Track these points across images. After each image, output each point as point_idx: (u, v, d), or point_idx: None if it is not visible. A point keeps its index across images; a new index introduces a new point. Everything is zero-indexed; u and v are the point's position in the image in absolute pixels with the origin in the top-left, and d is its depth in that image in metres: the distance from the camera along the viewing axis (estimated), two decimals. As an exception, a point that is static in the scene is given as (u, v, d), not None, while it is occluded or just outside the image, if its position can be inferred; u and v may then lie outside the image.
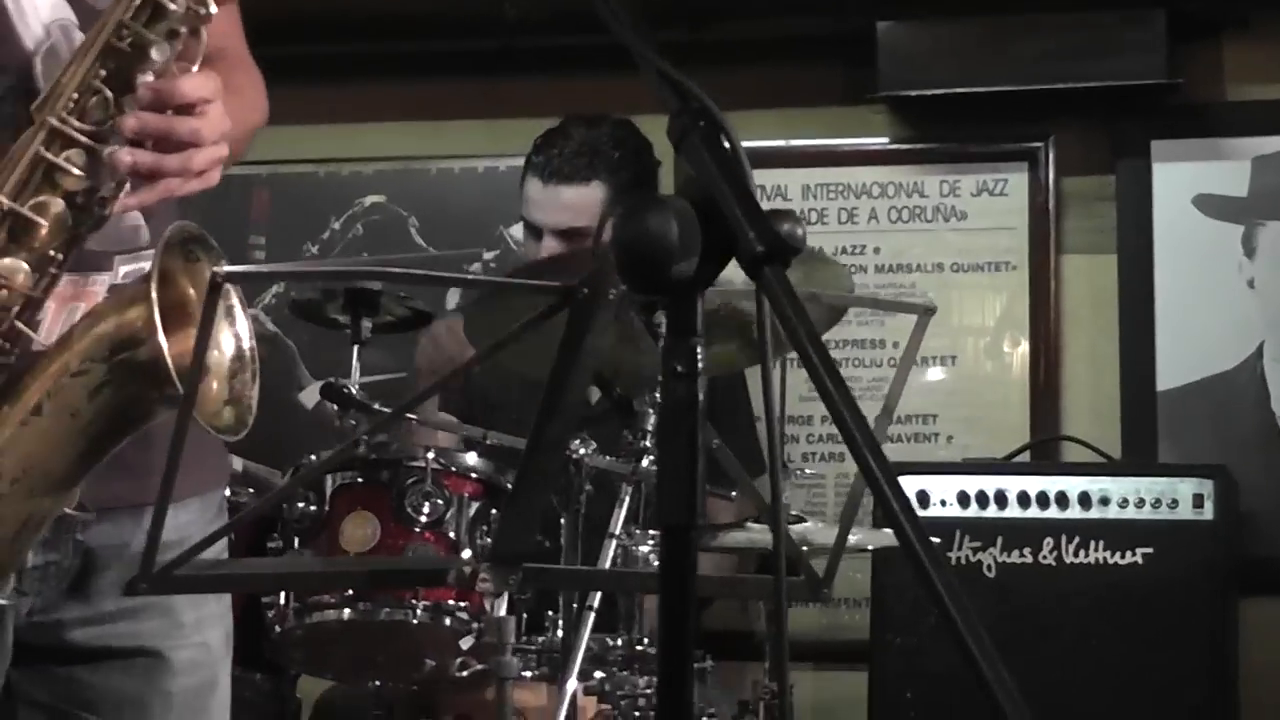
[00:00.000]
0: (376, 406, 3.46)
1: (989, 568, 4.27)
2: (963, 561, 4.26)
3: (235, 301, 1.98)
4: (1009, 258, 4.89)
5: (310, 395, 4.15)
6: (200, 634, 2.25)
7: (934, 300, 4.88)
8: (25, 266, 1.94)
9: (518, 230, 5.07)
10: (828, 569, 1.81)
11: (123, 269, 2.09)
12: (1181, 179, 4.76)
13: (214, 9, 1.96)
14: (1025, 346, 4.84)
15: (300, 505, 3.33)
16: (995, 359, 4.88)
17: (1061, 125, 4.84)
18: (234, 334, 1.97)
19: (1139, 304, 4.75)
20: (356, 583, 1.69)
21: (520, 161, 4.96)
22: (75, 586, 2.17)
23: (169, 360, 1.82)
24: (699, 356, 1.48)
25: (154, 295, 1.83)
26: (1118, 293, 4.78)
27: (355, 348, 3.70)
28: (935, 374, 4.89)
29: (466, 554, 3.27)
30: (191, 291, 1.95)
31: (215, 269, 1.49)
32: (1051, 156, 4.84)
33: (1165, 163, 4.78)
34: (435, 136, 5.25)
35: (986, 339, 4.90)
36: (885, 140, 4.98)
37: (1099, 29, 4.63)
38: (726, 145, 1.48)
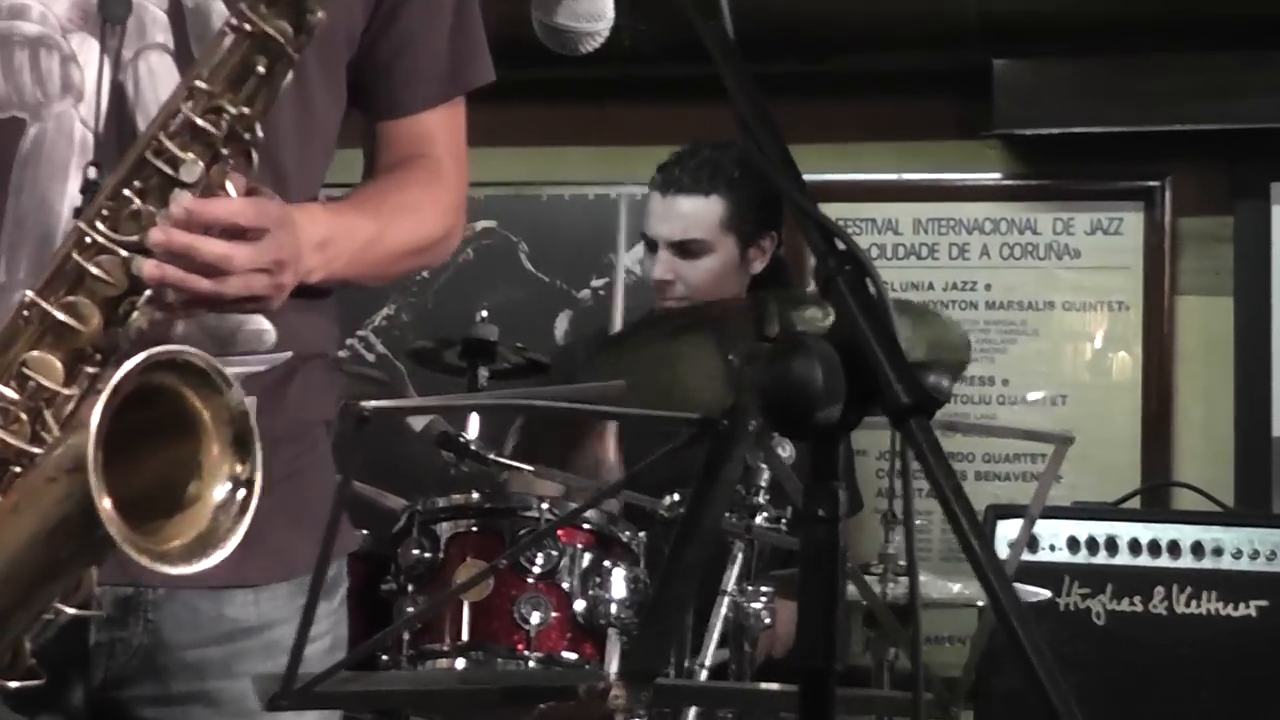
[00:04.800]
0: (492, 457, 3.48)
1: (1098, 615, 4.24)
2: (1071, 608, 4.24)
3: (250, 429, 1.88)
4: (1122, 297, 4.87)
5: (418, 418, 4.17)
6: None
7: (1044, 335, 4.91)
8: (58, 364, 1.92)
9: (628, 259, 5.09)
10: (958, 688, 1.81)
11: (230, 370, 2.04)
12: (1301, 222, 4.73)
13: (260, 134, 1.92)
14: (1138, 388, 4.81)
15: (415, 551, 3.35)
16: (1107, 400, 4.85)
17: (1179, 165, 4.81)
18: (245, 464, 1.87)
19: (1255, 348, 4.72)
20: (491, 698, 1.71)
21: (631, 189, 4.99)
22: (147, 665, 2.14)
23: (99, 505, 1.73)
24: (840, 501, 1.48)
25: (91, 435, 1.73)
26: (1234, 336, 4.75)
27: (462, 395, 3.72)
28: (1045, 413, 4.87)
29: (579, 605, 3.27)
30: (205, 412, 1.87)
31: (362, 404, 1.49)
32: (1168, 196, 4.81)
33: (1286, 205, 4.75)
34: (547, 162, 5.26)
35: (1098, 379, 4.87)
36: (999, 176, 4.97)
37: (1219, 70, 4.60)
38: (873, 291, 1.47)
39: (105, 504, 1.74)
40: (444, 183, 2.34)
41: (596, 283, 5.19)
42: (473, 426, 3.70)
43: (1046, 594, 3.78)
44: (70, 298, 1.91)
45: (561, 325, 5.19)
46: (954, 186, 4.99)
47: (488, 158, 5.28)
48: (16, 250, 2.06)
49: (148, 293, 1.91)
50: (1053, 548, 4.30)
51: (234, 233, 1.92)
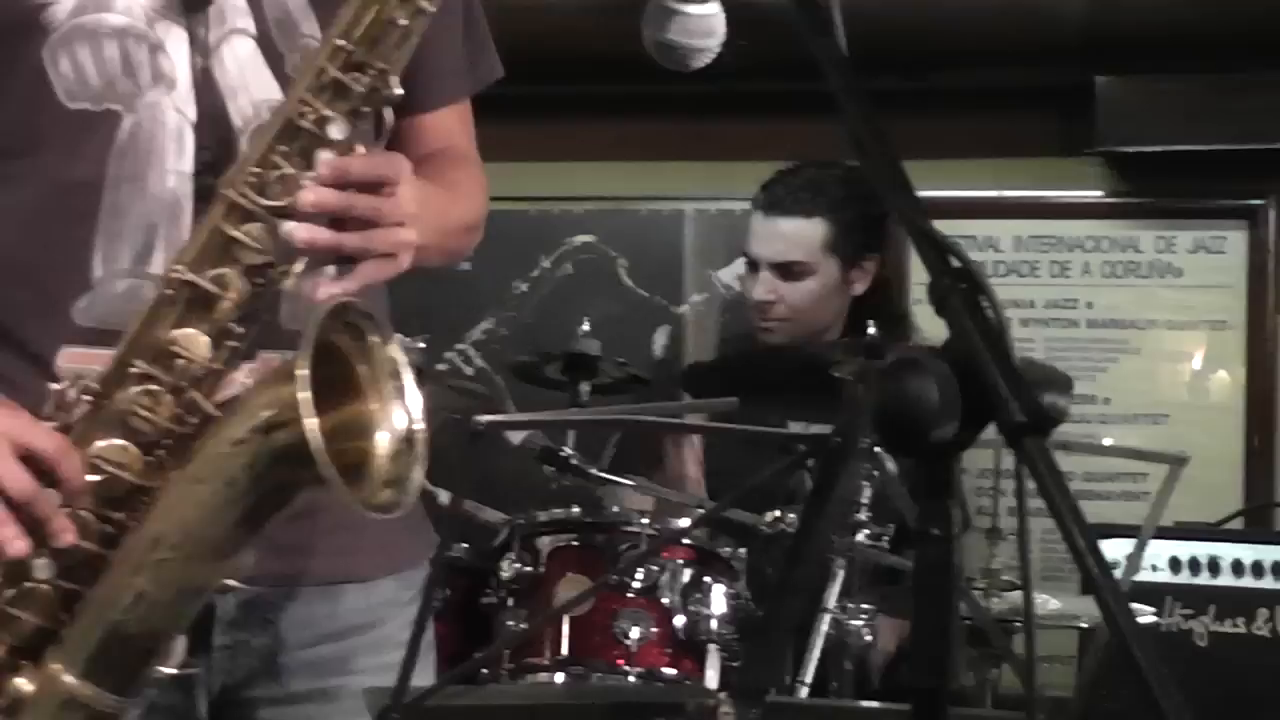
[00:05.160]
0: (593, 472, 3.49)
1: (1200, 636, 4.20)
2: (1173, 630, 4.20)
3: (406, 379, 1.93)
4: (1224, 316, 4.83)
5: (516, 431, 4.19)
6: None
7: (1145, 354, 4.87)
8: (204, 338, 1.93)
9: (726, 274, 5.10)
10: (1069, 709, 1.79)
11: None
12: (1407, 241, 4.68)
13: (398, 90, 1.94)
14: (1240, 408, 4.77)
15: (517, 565, 3.36)
16: (1208, 420, 4.81)
17: (1284, 184, 4.78)
18: (404, 412, 1.92)
19: (1359, 367, 4.68)
20: (598, 713, 1.71)
21: (731, 204, 4.99)
22: (266, 665, 2.17)
23: (315, 443, 1.78)
24: (953, 520, 1.47)
25: (302, 374, 1.78)
26: (1338, 356, 4.71)
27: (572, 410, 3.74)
28: (1145, 433, 4.83)
29: (679, 620, 3.28)
30: (363, 367, 1.92)
31: (476, 418, 1.50)
32: (1272, 215, 4.77)
33: (1391, 224, 4.70)
34: (646, 177, 5.27)
35: (1199, 399, 4.83)
36: (1100, 194, 4.94)
37: (1323, 87, 4.56)
38: (988, 310, 1.46)
39: (321, 445, 1.77)
40: (475, 169, 2.39)
41: (695, 298, 5.19)
42: (570, 441, 3.70)
43: (1152, 613, 3.75)
44: (217, 270, 1.92)
45: (660, 340, 5.19)
46: (1055, 204, 4.97)
47: (587, 172, 5.32)
48: (115, 242, 2.07)
49: (303, 260, 1.92)
50: (1154, 568, 4.26)
51: (370, 187, 1.94)
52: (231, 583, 1.97)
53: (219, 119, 2.07)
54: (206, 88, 2.08)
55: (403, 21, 1.92)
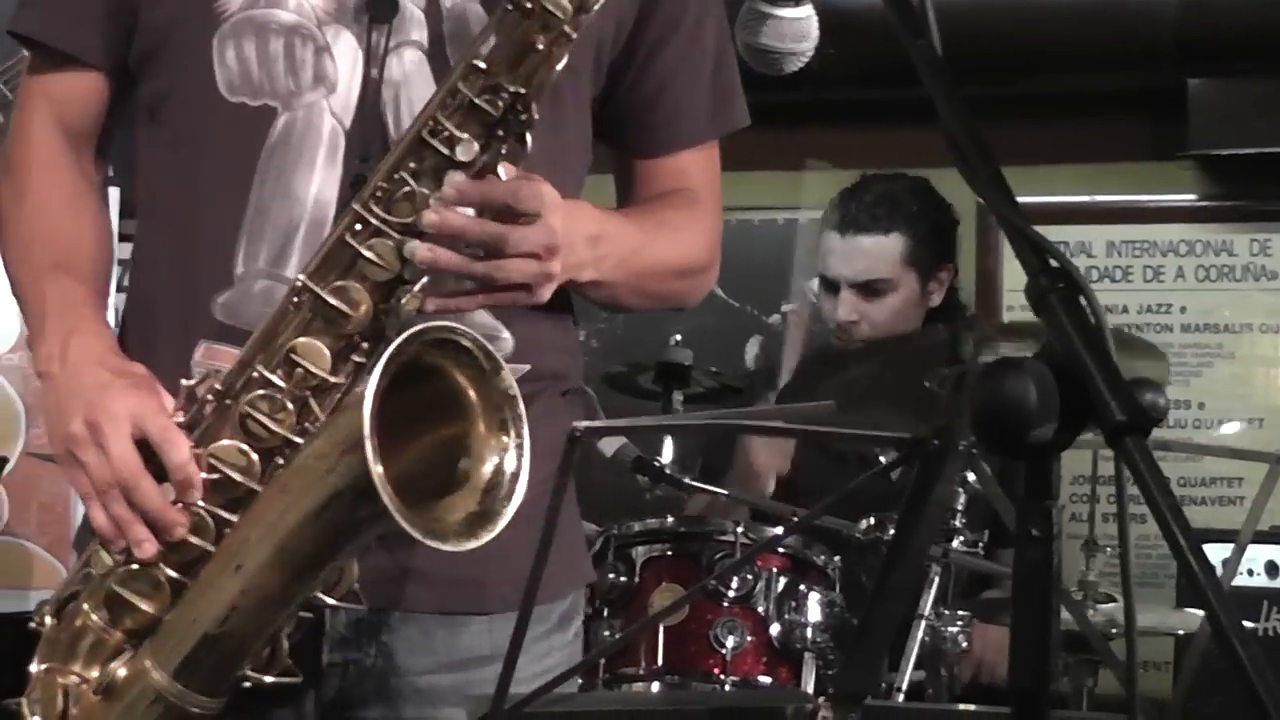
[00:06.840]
0: (687, 481, 3.49)
1: (1298, 641, 4.17)
2: (1271, 633, 4.17)
3: (521, 413, 1.87)
4: (1321, 318, 4.80)
5: (609, 443, 4.20)
6: None
7: (1240, 358, 4.83)
8: (325, 350, 1.92)
9: (819, 283, 5.08)
10: (1168, 712, 1.78)
11: None
12: None
13: (536, 114, 1.89)
14: (1338, 410, 4.74)
15: (611, 576, 3.36)
16: (1306, 422, 4.78)
17: (1378, 184, 4.73)
18: (512, 447, 1.86)
19: None
20: (699, 719, 1.71)
21: (820, 214, 4.97)
22: (378, 687, 2.12)
23: (376, 478, 1.74)
24: (1055, 521, 1.47)
25: (367, 408, 1.74)
26: None
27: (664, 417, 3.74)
28: (1242, 436, 4.79)
29: (775, 629, 3.27)
30: (472, 393, 1.87)
31: (575, 424, 1.50)
32: (1367, 216, 4.74)
33: None
34: (736, 187, 5.23)
35: (1297, 401, 4.80)
36: (1193, 197, 4.91)
37: None
38: (1087, 309, 1.46)
39: (382, 477, 1.74)
40: (703, 212, 2.31)
41: (787, 307, 5.18)
42: (667, 451, 3.70)
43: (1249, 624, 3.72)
44: (341, 282, 1.91)
45: (752, 350, 5.18)
46: (1148, 208, 4.95)
47: (677, 183, 5.30)
48: (256, 240, 2.05)
49: (424, 280, 1.90)
50: (1251, 572, 4.23)
51: (506, 214, 1.91)
52: (330, 601, 1.96)
53: (376, 130, 2.04)
54: (370, 97, 2.04)
55: (540, 46, 1.88)
